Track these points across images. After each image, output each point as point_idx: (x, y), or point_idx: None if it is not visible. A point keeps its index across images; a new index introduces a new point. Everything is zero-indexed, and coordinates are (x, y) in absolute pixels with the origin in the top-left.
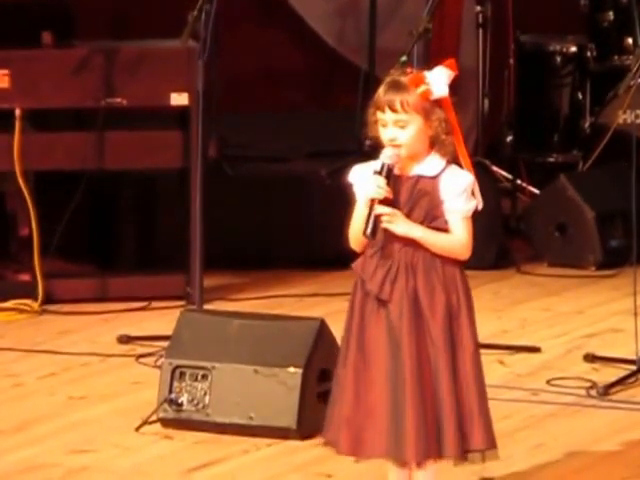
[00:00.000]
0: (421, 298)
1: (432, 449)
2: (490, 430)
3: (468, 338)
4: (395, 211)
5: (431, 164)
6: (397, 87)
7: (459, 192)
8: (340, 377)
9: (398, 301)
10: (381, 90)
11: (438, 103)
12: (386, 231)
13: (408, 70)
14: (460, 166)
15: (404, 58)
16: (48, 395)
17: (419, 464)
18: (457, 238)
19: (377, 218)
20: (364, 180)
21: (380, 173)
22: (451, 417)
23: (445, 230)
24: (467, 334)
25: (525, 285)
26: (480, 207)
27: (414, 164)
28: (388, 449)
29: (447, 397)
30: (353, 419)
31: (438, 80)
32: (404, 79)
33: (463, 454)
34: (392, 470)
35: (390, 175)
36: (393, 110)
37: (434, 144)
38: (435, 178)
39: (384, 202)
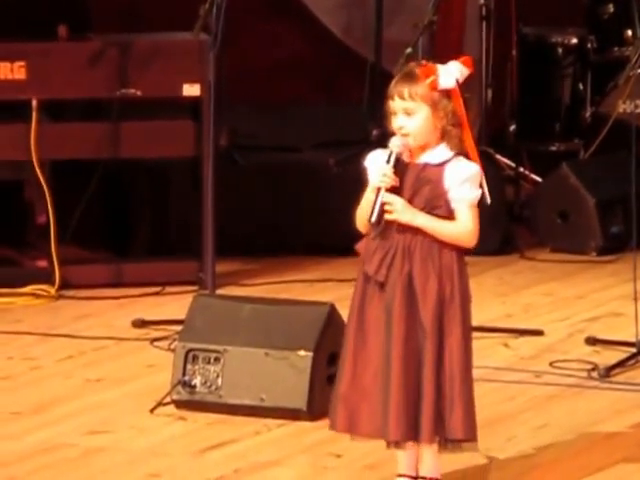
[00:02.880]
0: (415, 283)
1: (412, 431)
2: (471, 421)
3: (458, 328)
4: (399, 200)
5: (438, 153)
6: (408, 77)
7: (463, 180)
8: (342, 356)
9: (393, 284)
10: (394, 80)
11: (447, 95)
12: None
13: (423, 62)
14: (470, 159)
15: (409, 50)
16: (65, 378)
17: (398, 444)
18: (462, 226)
19: (382, 206)
20: (374, 167)
21: (387, 162)
22: (429, 403)
23: (446, 219)
24: (457, 324)
25: (528, 270)
26: (488, 201)
27: (423, 153)
28: (378, 429)
29: (428, 383)
30: (349, 397)
31: (447, 72)
32: (416, 70)
33: (441, 441)
34: (399, 452)
35: (398, 163)
36: (402, 98)
37: (444, 136)
38: (440, 166)
39: (390, 190)
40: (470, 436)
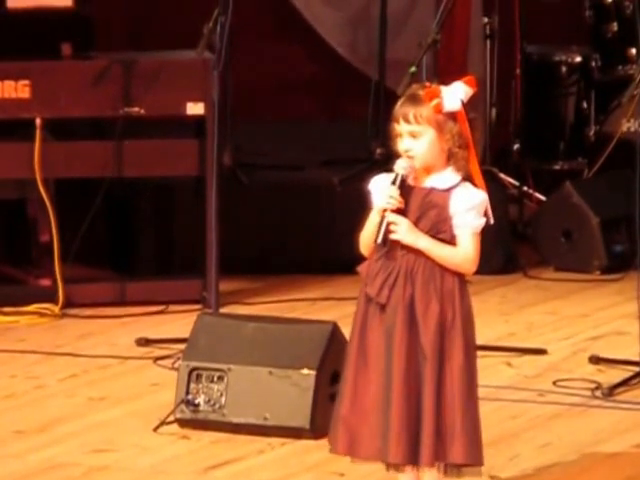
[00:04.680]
0: (416, 306)
1: (412, 454)
2: (474, 446)
3: (459, 353)
4: (404, 221)
5: (445, 178)
6: (412, 100)
7: (469, 208)
8: (343, 378)
9: (394, 306)
10: (399, 103)
11: (453, 117)
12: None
13: (427, 84)
14: (474, 182)
15: (413, 69)
16: (69, 396)
17: (398, 467)
18: (463, 252)
19: (388, 227)
20: (379, 190)
21: (393, 184)
22: (429, 427)
23: (450, 243)
24: (459, 349)
25: (532, 289)
26: (492, 222)
27: (429, 176)
28: (378, 451)
29: (429, 407)
30: (349, 419)
31: (451, 94)
32: (421, 92)
33: (441, 466)
34: (399, 473)
35: (403, 185)
36: (407, 121)
37: (450, 158)
38: (447, 192)
39: (395, 212)
40: (473, 461)
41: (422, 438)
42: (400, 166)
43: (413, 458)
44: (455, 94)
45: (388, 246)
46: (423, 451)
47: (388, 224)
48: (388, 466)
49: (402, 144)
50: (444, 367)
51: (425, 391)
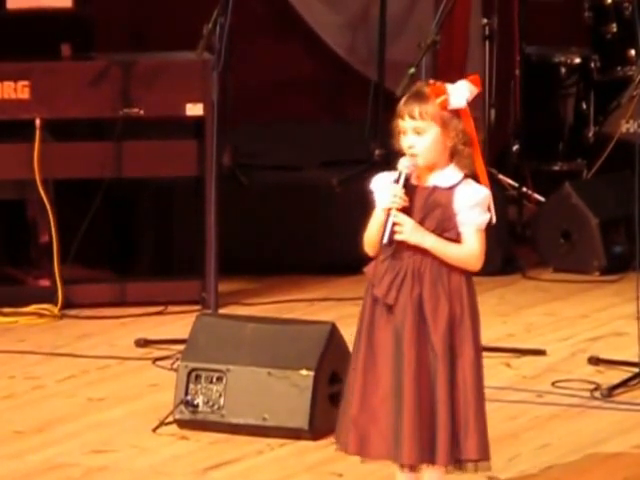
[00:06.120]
0: (425, 306)
1: (426, 454)
2: (484, 441)
3: (470, 349)
4: (409, 221)
5: (448, 175)
6: (418, 96)
7: (473, 204)
8: (350, 379)
9: (402, 306)
10: (403, 99)
11: (457, 115)
12: None
13: (431, 82)
14: (478, 180)
15: (412, 70)
16: (68, 397)
17: (413, 467)
18: (469, 249)
19: (393, 226)
20: (383, 189)
21: (397, 182)
22: (445, 425)
23: (456, 241)
24: (469, 345)
25: (531, 290)
26: (494, 221)
27: (431, 174)
28: (389, 451)
29: (443, 405)
30: (359, 420)
31: (457, 92)
32: (426, 89)
33: (455, 463)
34: (399, 472)
35: (407, 184)
36: (412, 118)
37: (453, 156)
38: (450, 190)
39: (400, 211)
40: (484, 456)
41: (437, 438)
42: (403, 164)
43: (427, 457)
44: (461, 92)
45: (394, 246)
46: (439, 451)
47: (394, 224)
48: (402, 466)
49: (405, 140)
50: (456, 364)
51: (438, 390)
